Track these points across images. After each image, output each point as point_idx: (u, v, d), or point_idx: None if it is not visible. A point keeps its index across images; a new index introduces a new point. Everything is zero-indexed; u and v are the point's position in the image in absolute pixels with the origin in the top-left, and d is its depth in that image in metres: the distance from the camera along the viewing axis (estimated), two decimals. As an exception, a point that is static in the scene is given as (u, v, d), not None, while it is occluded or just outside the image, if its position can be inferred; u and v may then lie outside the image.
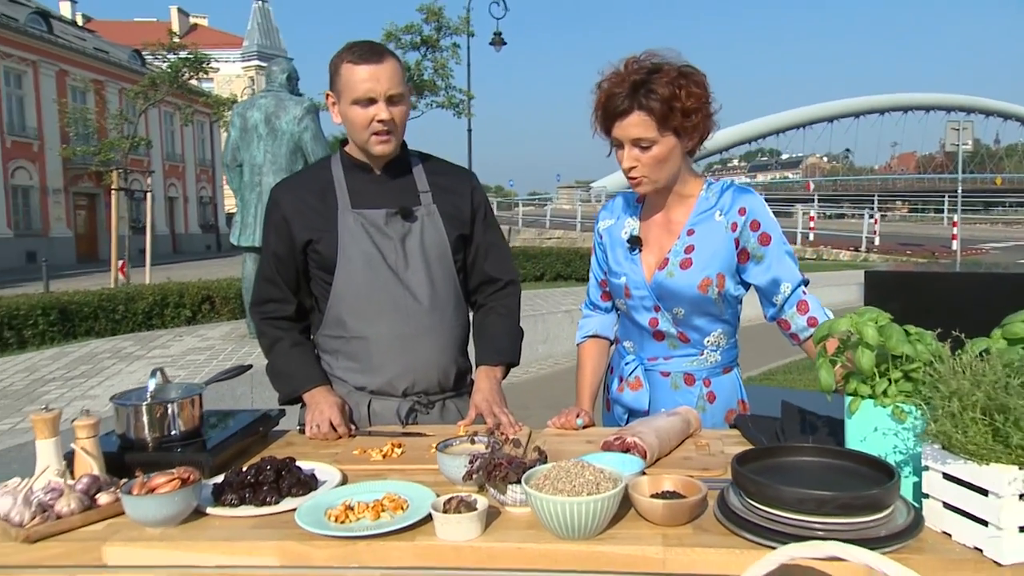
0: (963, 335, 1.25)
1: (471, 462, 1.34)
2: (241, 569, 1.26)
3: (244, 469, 1.43)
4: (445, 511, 1.23)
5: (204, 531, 1.32)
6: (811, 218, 23.68)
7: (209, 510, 1.36)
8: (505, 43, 22.84)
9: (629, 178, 1.76)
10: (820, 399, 1.56)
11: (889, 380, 1.29)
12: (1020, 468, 1.07)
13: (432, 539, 1.24)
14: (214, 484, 1.41)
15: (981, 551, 1.11)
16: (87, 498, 1.35)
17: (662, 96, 1.65)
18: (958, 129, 16.13)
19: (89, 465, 1.44)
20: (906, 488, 1.27)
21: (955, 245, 19.06)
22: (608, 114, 1.71)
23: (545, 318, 8.36)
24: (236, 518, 1.34)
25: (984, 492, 1.09)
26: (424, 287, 1.81)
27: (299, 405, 1.90)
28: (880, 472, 1.21)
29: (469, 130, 19.72)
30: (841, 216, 42.02)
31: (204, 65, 12.09)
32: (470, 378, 1.98)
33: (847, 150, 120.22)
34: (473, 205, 1.92)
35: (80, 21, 35.10)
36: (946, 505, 1.16)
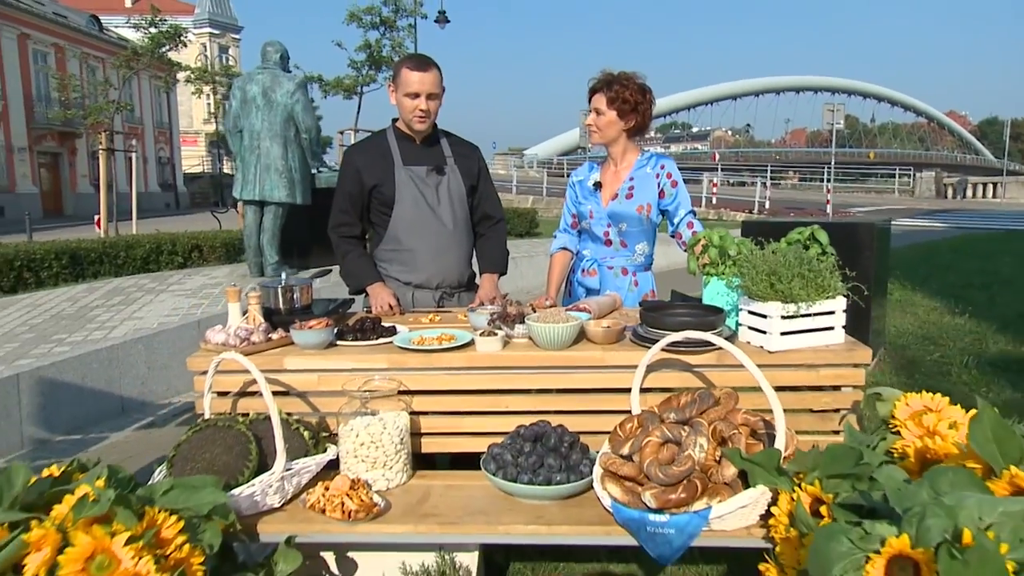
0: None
1: (491, 315, 2.11)
2: (363, 371, 2.01)
3: (351, 323, 2.17)
4: (482, 335, 2.01)
5: (338, 352, 2.06)
6: (713, 184, 24.97)
7: (338, 342, 2.10)
8: (449, 21, 22.99)
9: (588, 128, 2.63)
10: (693, 287, 2.38)
11: (725, 265, 2.12)
12: (781, 304, 1.91)
13: (474, 352, 2.01)
14: (336, 331, 2.13)
15: (762, 347, 1.95)
16: (267, 334, 2.07)
17: (616, 90, 2.52)
18: (832, 110, 17.50)
19: (258, 320, 2.14)
20: (731, 322, 2.10)
21: (828, 209, 20.74)
22: (591, 90, 2.59)
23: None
24: (355, 345, 2.08)
25: (764, 316, 1.93)
26: (450, 218, 2.54)
27: (363, 295, 2.62)
28: (718, 313, 2.04)
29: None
30: (743, 184, 43.80)
31: (181, 37, 12.17)
32: (475, 280, 2.74)
33: (748, 125, 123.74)
34: (479, 167, 2.66)
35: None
36: (749, 327, 2.01)
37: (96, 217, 15.18)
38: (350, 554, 2.06)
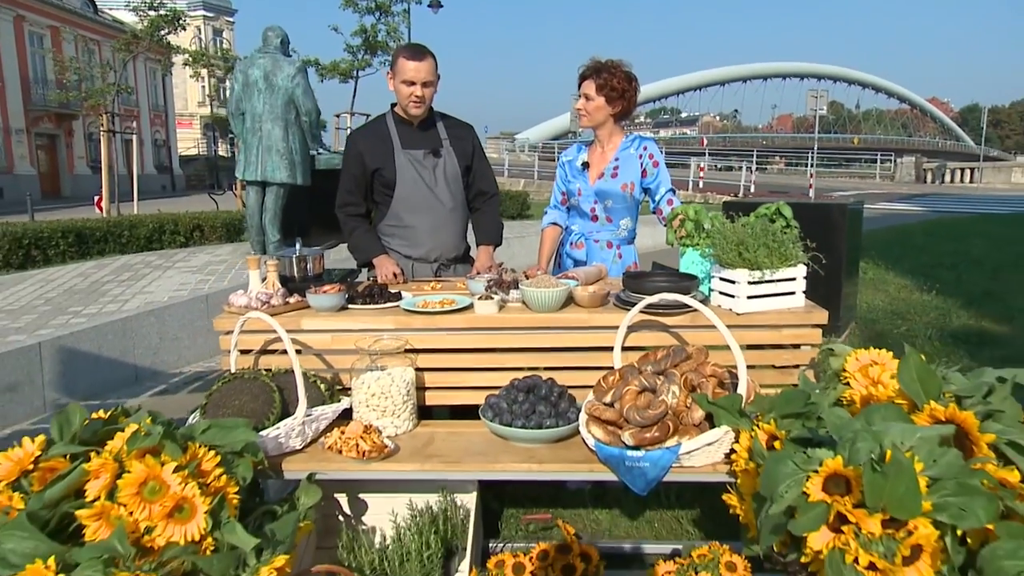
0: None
1: (488, 282, 2.29)
2: (372, 332, 2.19)
3: (360, 289, 2.34)
4: (480, 299, 2.19)
5: (349, 314, 2.23)
6: (701, 168, 25.16)
7: (349, 306, 2.27)
8: (441, 5, 22.88)
9: (579, 114, 2.76)
10: (673, 263, 2.56)
11: (700, 237, 2.30)
12: (748, 271, 2.10)
13: (472, 314, 2.19)
14: (347, 296, 2.31)
15: (731, 309, 2.14)
16: (284, 299, 2.24)
17: (604, 77, 2.66)
18: (816, 96, 17.68)
19: (276, 285, 2.31)
20: (704, 288, 2.29)
21: (811, 193, 21.00)
22: (581, 76, 2.73)
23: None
24: (365, 308, 2.26)
25: (733, 282, 2.12)
26: (447, 197, 2.71)
27: (368, 268, 2.79)
28: (692, 279, 2.22)
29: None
30: (730, 168, 43.96)
31: (180, 21, 12.16)
32: (469, 253, 2.91)
33: (735, 111, 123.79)
34: (473, 147, 2.81)
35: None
36: (720, 292, 2.19)
37: (96, 198, 15.19)
38: (362, 495, 2.25)
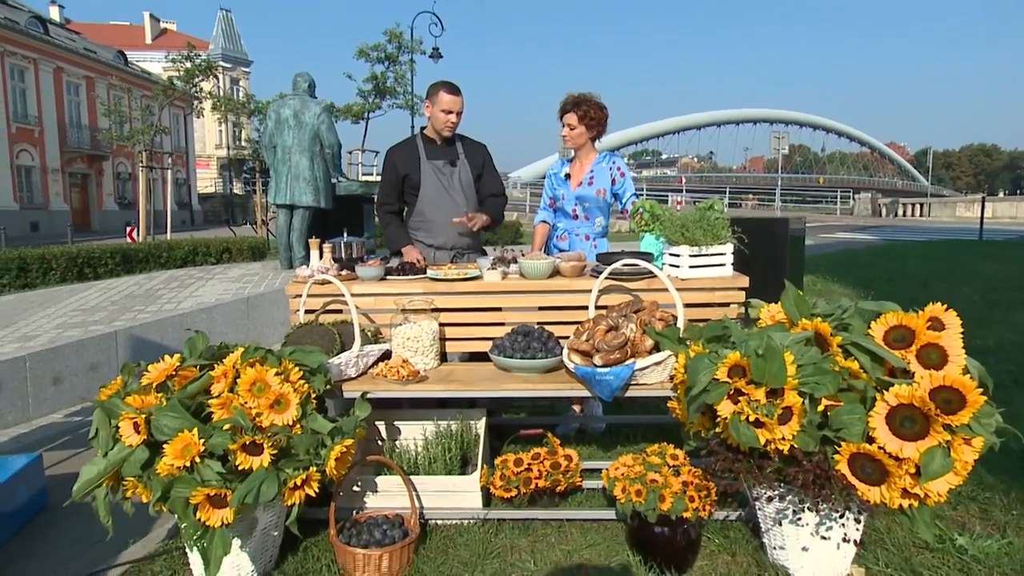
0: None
1: (494, 259, 2.81)
2: (406, 295, 2.69)
3: (395, 266, 2.86)
4: (488, 270, 2.70)
5: (387, 283, 2.74)
6: (677, 203, 25.92)
7: (387, 277, 2.78)
8: (442, 56, 23.82)
9: (564, 139, 3.28)
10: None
11: (654, 224, 2.83)
12: (689, 247, 2.62)
13: (482, 281, 2.71)
14: (384, 268, 2.82)
15: (677, 276, 2.67)
16: (338, 271, 2.75)
17: (584, 109, 3.18)
18: (779, 137, 18.51)
19: (331, 262, 2.82)
20: (658, 263, 2.81)
21: (778, 224, 21.75)
22: (562, 110, 3.24)
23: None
24: (400, 279, 2.77)
25: (678, 256, 2.65)
26: (461, 198, 3.23)
27: (398, 256, 3.30)
28: (648, 255, 2.75)
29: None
30: (704, 205, 44.66)
31: (212, 70, 12.85)
32: (481, 246, 3.43)
33: (711, 152, 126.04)
34: (483, 160, 3.33)
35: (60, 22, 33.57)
36: (669, 264, 2.72)
37: (128, 228, 15.70)
38: (397, 422, 2.74)
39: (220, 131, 42.88)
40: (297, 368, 2.15)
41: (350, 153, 12.71)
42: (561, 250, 3.35)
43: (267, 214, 12.97)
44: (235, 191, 42.05)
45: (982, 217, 17.02)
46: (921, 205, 30.14)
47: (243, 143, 38.45)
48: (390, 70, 15.99)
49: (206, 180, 43.29)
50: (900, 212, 30.05)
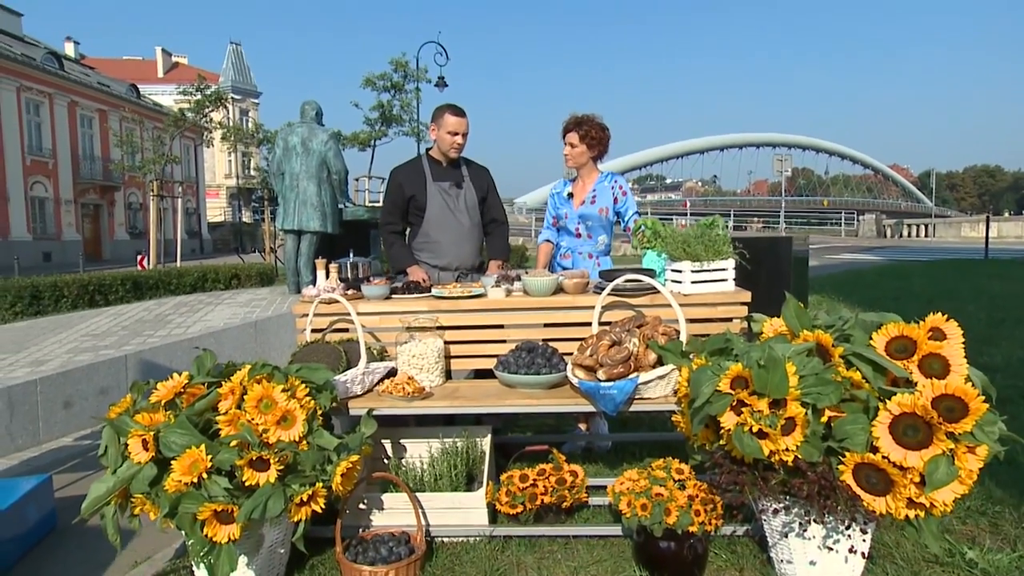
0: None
1: (498, 276, 2.84)
2: (411, 313, 2.72)
3: (400, 285, 2.89)
4: (492, 288, 2.73)
5: (393, 302, 2.77)
6: (681, 225, 25.95)
7: (393, 296, 2.81)
8: (447, 84, 24.21)
9: (566, 157, 3.32)
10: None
11: (656, 241, 2.86)
12: (691, 262, 2.64)
13: (486, 299, 2.73)
14: (390, 287, 2.85)
15: (679, 291, 2.68)
16: (344, 291, 2.78)
17: (585, 129, 3.23)
18: (782, 160, 18.63)
19: (337, 282, 2.85)
20: (660, 279, 2.83)
21: (783, 245, 21.76)
22: (565, 129, 3.29)
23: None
24: (405, 297, 2.80)
25: (680, 271, 2.67)
26: (465, 219, 3.27)
27: (403, 276, 3.34)
28: (651, 271, 2.76)
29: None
30: (708, 228, 44.68)
31: (223, 100, 13.12)
32: (483, 266, 3.46)
33: (715, 176, 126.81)
34: (487, 183, 3.38)
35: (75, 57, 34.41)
36: (671, 280, 2.74)
37: (139, 257, 15.86)
38: (402, 440, 2.75)
39: (230, 161, 43.51)
40: (303, 385, 2.16)
41: (357, 180, 12.88)
42: (565, 268, 3.37)
43: (276, 242, 13.12)
44: (244, 219, 42.54)
45: (987, 236, 16.97)
46: (926, 226, 30.11)
47: (252, 172, 38.95)
48: (396, 98, 16.28)
49: (216, 209, 43.79)
50: (905, 233, 30.02)
